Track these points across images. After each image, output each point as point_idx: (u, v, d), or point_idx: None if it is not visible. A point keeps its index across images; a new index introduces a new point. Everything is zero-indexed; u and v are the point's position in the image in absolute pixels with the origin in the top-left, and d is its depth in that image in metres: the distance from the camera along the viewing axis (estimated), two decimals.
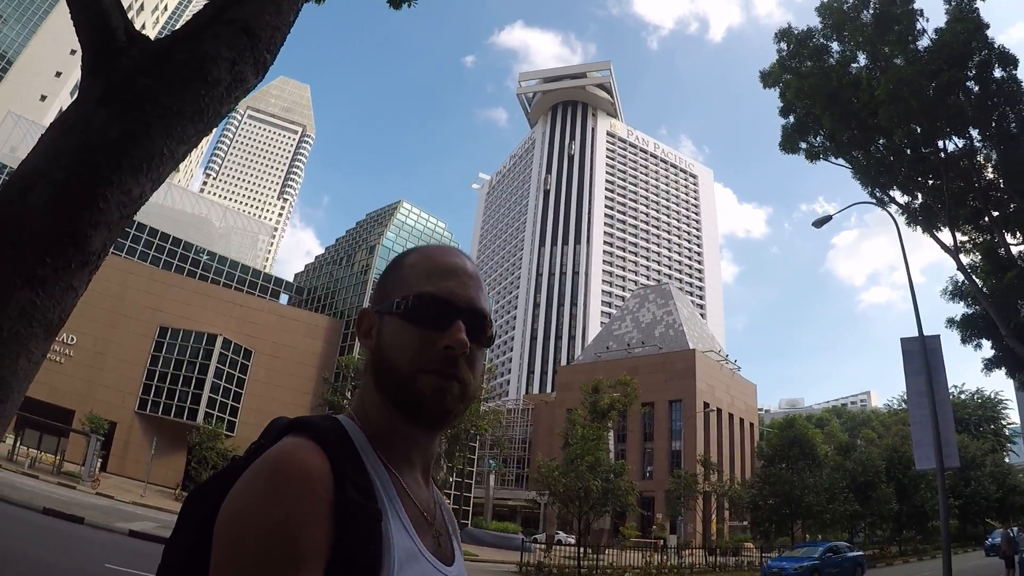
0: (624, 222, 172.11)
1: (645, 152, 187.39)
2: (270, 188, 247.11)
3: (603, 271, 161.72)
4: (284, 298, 78.14)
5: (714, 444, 78.61)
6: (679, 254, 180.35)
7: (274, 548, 1.00)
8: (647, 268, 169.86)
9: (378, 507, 1.12)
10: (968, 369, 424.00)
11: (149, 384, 56.41)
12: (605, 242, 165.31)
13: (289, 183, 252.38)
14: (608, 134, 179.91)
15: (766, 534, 48.99)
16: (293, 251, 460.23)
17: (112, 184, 2.39)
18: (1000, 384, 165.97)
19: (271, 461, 1.08)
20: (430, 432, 1.32)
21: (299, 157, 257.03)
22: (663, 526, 65.58)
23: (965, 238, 26.49)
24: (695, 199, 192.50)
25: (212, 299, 62.20)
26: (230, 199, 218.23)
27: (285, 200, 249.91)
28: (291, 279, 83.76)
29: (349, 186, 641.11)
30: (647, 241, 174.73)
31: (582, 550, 34.65)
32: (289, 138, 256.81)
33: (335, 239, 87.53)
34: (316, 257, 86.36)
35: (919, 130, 24.61)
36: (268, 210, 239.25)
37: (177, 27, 2.86)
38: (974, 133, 24.23)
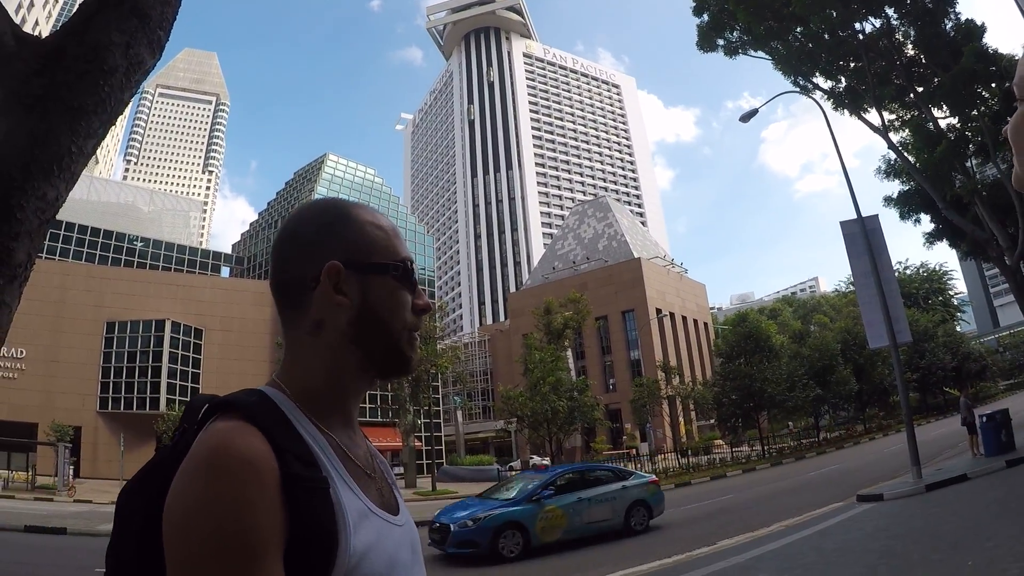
0: (553, 141, 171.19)
1: (564, 69, 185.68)
2: (193, 163, 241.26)
3: (539, 193, 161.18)
4: (225, 271, 77.35)
5: (671, 348, 79.89)
6: (612, 166, 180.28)
7: (230, 545, 0.97)
8: (582, 184, 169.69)
9: (323, 476, 1.11)
10: (911, 244, 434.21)
11: (106, 382, 55.62)
12: (537, 164, 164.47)
13: (212, 155, 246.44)
14: (525, 56, 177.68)
15: (733, 429, 50.07)
16: (228, 223, 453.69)
17: (26, 192, 2.33)
18: (944, 256, 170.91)
19: (209, 452, 1.04)
20: (382, 383, 1.38)
21: (217, 127, 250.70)
22: (633, 435, 66.84)
23: (893, 116, 26.70)
24: (620, 109, 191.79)
25: (154, 285, 61.11)
26: (155, 182, 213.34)
27: (210, 172, 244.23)
28: (229, 251, 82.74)
29: (274, 147, 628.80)
30: (579, 157, 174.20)
31: None
32: (204, 109, 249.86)
33: (267, 203, 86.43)
34: (251, 224, 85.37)
35: (835, 15, 24.55)
36: (195, 186, 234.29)
37: (68, 17, 2.83)
38: (890, 12, 24.23)
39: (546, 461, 47.90)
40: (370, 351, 1.27)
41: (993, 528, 10.97)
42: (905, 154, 25.77)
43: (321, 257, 1.25)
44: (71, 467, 42.81)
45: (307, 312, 1.25)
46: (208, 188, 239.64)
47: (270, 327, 61.75)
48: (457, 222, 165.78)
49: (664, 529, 17.35)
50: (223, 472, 1.00)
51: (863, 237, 20.54)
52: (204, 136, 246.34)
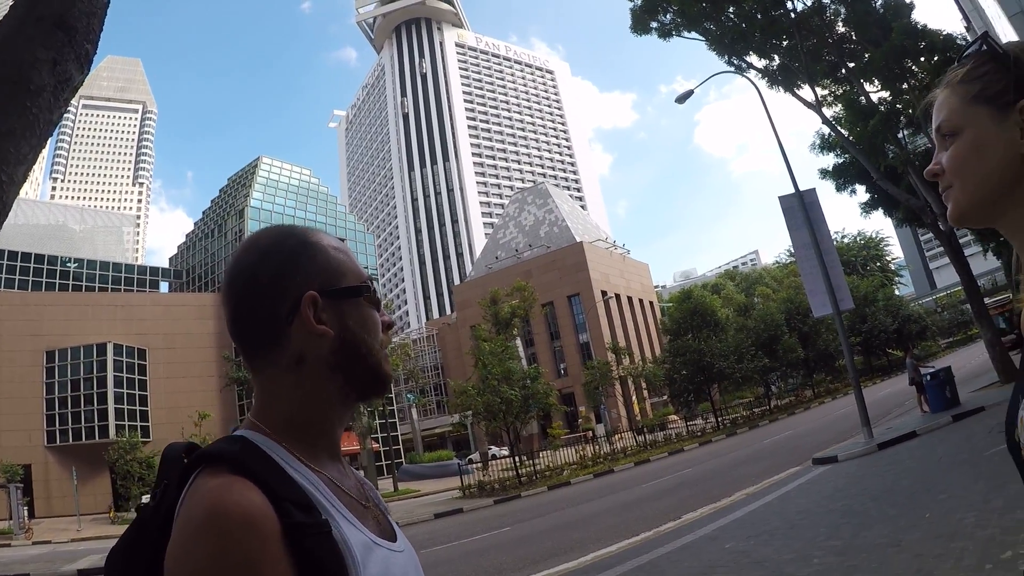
0: (489, 130, 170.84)
1: (498, 57, 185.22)
2: (123, 176, 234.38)
3: (477, 183, 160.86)
4: (164, 286, 75.31)
5: (619, 329, 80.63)
6: (550, 153, 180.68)
7: None
8: (520, 172, 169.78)
9: (323, 519, 1.07)
10: (848, 214, 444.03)
11: (51, 414, 53.27)
12: (474, 154, 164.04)
13: (142, 166, 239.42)
14: (457, 45, 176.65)
15: (686, 404, 50.76)
16: (169, 236, 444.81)
17: None
18: (880, 223, 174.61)
19: (206, 513, 0.99)
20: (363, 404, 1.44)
21: (146, 136, 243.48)
22: (588, 418, 67.41)
23: (825, 92, 27.33)
24: (556, 95, 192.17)
25: (92, 307, 58.70)
26: (84, 199, 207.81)
27: (141, 184, 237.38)
28: (167, 265, 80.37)
29: (210, 157, 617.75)
30: (515, 146, 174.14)
31: (517, 459, 35.48)
32: (131, 119, 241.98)
33: (202, 212, 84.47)
34: (186, 235, 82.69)
35: None
36: (126, 199, 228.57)
37: None
38: None
39: (504, 451, 48.17)
40: (352, 376, 1.23)
41: (946, 481, 11.36)
42: (839, 128, 26.45)
43: (294, 289, 1.20)
44: (25, 508, 40.90)
45: (283, 348, 1.20)
46: (140, 201, 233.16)
47: (215, 340, 59.76)
48: (396, 217, 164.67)
49: (630, 507, 17.73)
50: (224, 533, 0.96)
51: (801, 210, 21.09)
52: (132, 147, 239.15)
